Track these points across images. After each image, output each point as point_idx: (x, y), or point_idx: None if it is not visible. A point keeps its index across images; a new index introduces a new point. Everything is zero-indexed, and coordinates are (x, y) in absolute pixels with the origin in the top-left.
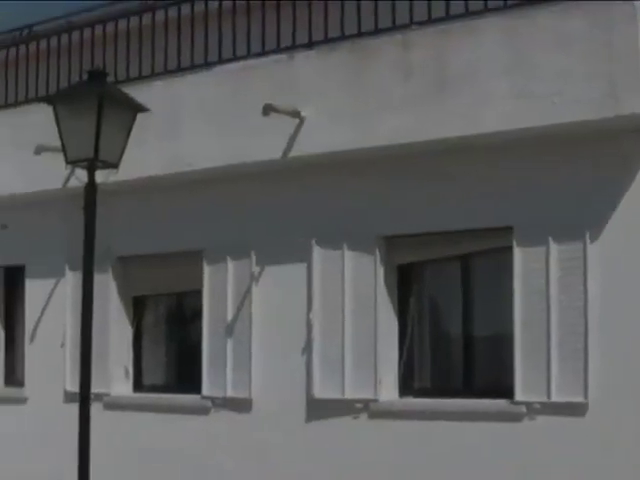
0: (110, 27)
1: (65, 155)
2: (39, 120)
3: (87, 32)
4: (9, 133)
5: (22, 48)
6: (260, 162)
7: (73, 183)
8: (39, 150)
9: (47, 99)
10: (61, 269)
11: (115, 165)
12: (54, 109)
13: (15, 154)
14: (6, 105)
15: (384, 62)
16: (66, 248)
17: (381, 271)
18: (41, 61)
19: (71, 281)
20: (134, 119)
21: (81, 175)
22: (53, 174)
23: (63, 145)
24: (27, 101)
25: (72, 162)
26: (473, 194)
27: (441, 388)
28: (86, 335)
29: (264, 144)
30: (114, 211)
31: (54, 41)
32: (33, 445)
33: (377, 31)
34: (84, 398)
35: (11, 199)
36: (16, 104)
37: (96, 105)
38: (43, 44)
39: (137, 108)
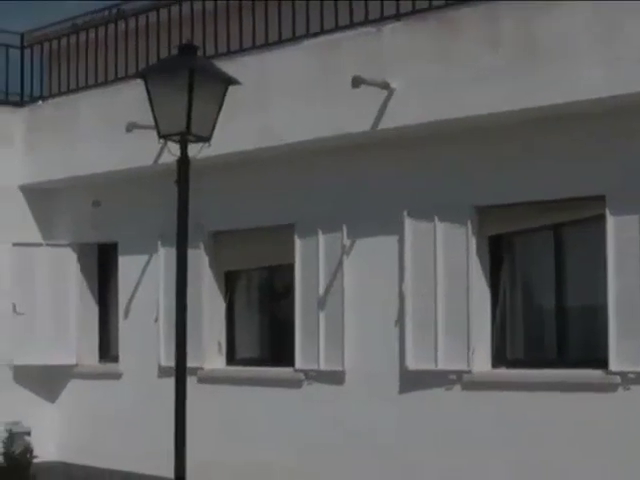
0: (198, 4)
1: (157, 129)
2: (130, 98)
3: (175, 10)
4: (101, 112)
5: (111, 28)
6: (350, 134)
7: (165, 159)
8: (130, 127)
9: (139, 74)
10: (154, 245)
11: (207, 139)
12: (146, 83)
13: (107, 132)
14: (97, 84)
15: (473, 32)
16: (158, 224)
17: (473, 242)
18: (130, 40)
19: (164, 257)
20: (225, 92)
21: (174, 149)
22: (145, 151)
23: (155, 119)
24: (118, 80)
25: (164, 136)
26: (565, 163)
27: (534, 359)
28: (181, 310)
29: (353, 116)
30: (205, 187)
31: (142, 20)
32: (128, 420)
33: (465, 1)
34: (180, 372)
35: (104, 177)
36: (107, 83)
37: (187, 78)
38: (132, 23)
39: (228, 81)
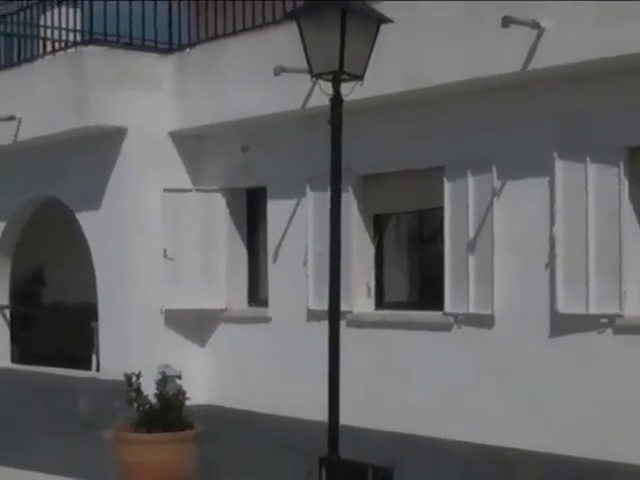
0: None
1: (310, 68)
2: (278, 42)
3: None
4: (249, 56)
5: None
6: (500, 75)
7: (313, 103)
8: (278, 71)
9: (291, 14)
10: (302, 189)
11: (360, 77)
12: (298, 23)
13: (255, 77)
14: (244, 29)
15: None
16: (307, 168)
17: (625, 184)
18: None
19: (312, 201)
20: (378, 30)
21: (326, 89)
22: (293, 94)
23: (308, 59)
24: (264, 24)
25: (317, 75)
26: None
27: None
28: (334, 254)
29: (504, 57)
30: (354, 129)
31: None
32: (277, 363)
33: None
34: (333, 316)
35: (252, 121)
36: (253, 28)
37: (340, 17)
38: None
39: (380, 19)
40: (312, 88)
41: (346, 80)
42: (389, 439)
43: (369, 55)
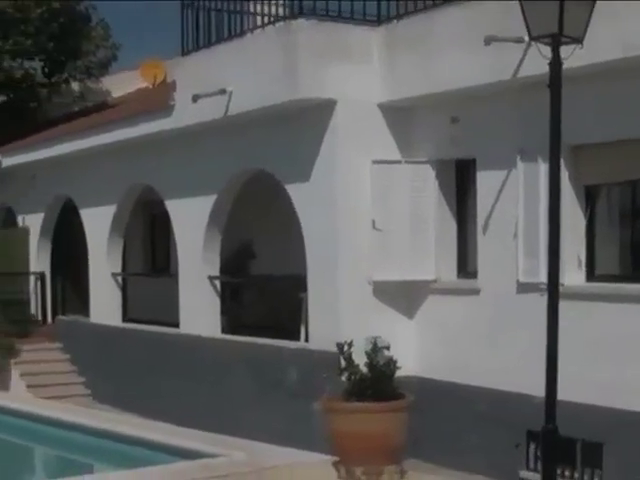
0: None
1: (528, 31)
2: (487, 12)
3: None
4: (457, 27)
5: None
6: None
7: (523, 72)
8: (489, 41)
9: None
10: (512, 160)
11: (579, 40)
12: None
13: (464, 47)
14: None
15: None
16: (517, 139)
17: None
18: None
19: (523, 172)
20: None
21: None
22: (503, 64)
23: (526, 21)
24: None
25: (535, 38)
26: None
27: None
28: (554, 226)
29: None
30: (565, 98)
31: None
32: (486, 336)
33: None
34: (553, 289)
35: (461, 92)
36: None
37: None
38: None
39: None
40: (523, 57)
41: (565, 43)
42: (600, 414)
43: (589, 17)
